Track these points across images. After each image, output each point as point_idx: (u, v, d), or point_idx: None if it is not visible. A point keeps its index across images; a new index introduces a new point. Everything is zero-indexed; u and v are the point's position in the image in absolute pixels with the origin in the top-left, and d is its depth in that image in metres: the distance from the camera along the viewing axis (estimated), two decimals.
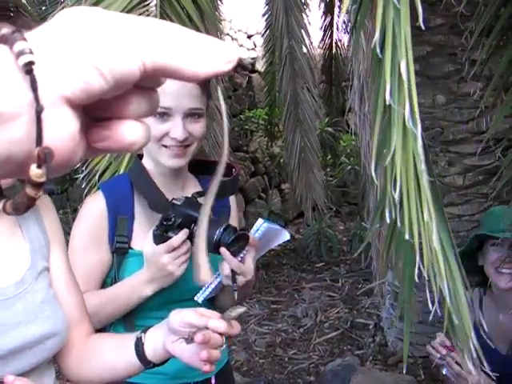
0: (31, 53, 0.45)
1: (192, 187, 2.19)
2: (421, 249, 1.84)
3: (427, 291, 1.90)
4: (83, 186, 3.08)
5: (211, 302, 2.21)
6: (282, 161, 8.96)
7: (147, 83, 0.51)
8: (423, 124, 2.65)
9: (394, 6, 1.75)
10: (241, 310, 1.55)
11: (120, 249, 2.04)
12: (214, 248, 1.94)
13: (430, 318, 1.93)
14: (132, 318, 2.07)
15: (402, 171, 1.79)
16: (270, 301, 6.75)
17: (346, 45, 7.82)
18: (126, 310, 2.03)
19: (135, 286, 2.00)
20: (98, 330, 2.04)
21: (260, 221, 2.09)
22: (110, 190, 2.08)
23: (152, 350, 1.61)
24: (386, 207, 1.85)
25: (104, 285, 2.09)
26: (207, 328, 1.50)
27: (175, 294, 2.05)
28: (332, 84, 8.30)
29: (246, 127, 9.23)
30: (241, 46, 10.00)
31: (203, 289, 2.08)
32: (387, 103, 1.74)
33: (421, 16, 1.66)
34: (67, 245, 1.85)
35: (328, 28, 7.92)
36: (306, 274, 7.43)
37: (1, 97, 0.45)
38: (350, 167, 8.73)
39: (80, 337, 1.70)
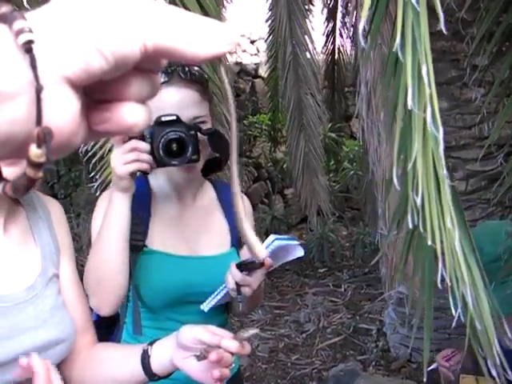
0: (31, 31, 0.44)
1: (205, 193, 2.21)
2: (442, 255, 1.85)
3: (450, 298, 1.90)
4: (97, 194, 3.10)
5: (225, 310, 2.22)
6: (284, 166, 8.97)
7: (147, 65, 0.51)
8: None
9: (413, 8, 1.76)
10: (253, 331, 1.54)
11: (136, 246, 2.03)
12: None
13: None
14: (139, 320, 2.07)
15: (423, 177, 1.79)
16: (273, 306, 6.75)
17: (348, 51, 7.83)
18: (117, 231, 1.93)
19: (110, 200, 1.94)
20: (106, 340, 2.05)
21: (271, 237, 2.05)
22: None
23: (158, 363, 1.59)
24: (407, 213, 1.85)
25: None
26: (219, 347, 1.49)
27: (181, 296, 2.05)
28: (335, 89, 8.30)
29: (250, 132, 9.24)
30: (244, 51, 10.02)
31: (209, 299, 2.09)
32: (408, 108, 1.75)
33: (442, 21, 1.67)
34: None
35: (331, 34, 7.93)
36: (308, 279, 7.43)
37: (0, 76, 0.44)
38: (352, 172, 8.74)
39: (84, 346, 1.69)
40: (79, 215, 7.26)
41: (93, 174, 3.18)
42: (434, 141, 1.80)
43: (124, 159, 1.85)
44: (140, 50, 0.47)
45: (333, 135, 8.75)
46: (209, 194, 2.22)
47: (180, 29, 0.49)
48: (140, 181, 2.08)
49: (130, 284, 2.04)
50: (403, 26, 1.75)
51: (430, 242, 1.83)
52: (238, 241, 2.18)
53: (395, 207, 3.65)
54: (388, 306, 5.48)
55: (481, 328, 1.99)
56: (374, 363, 5.40)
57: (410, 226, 1.85)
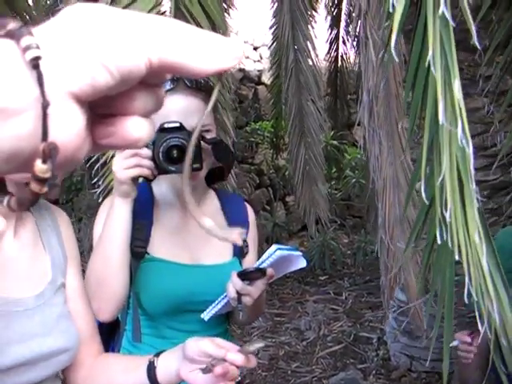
0: (38, 48, 0.45)
1: (208, 202, 2.20)
2: (468, 269, 1.85)
3: (476, 313, 1.90)
4: (100, 200, 3.10)
5: (226, 319, 2.21)
6: (286, 173, 8.97)
7: (152, 79, 0.51)
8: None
9: (444, 24, 1.77)
10: (259, 344, 1.54)
11: (137, 253, 2.03)
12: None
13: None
14: (139, 327, 2.06)
15: (451, 192, 1.80)
16: (274, 313, 6.74)
17: (351, 58, 7.84)
18: (118, 236, 1.94)
19: (112, 205, 1.94)
20: (110, 341, 2.05)
21: (273, 247, 2.04)
22: None
23: (164, 374, 1.59)
24: (436, 228, 1.85)
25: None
26: (224, 360, 1.48)
27: (181, 304, 2.04)
28: (337, 97, 8.31)
29: (252, 139, 9.24)
30: (247, 57, 10.02)
31: (210, 308, 2.08)
32: (440, 123, 1.75)
33: (475, 35, 1.68)
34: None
35: (334, 41, 7.94)
36: (309, 286, 7.42)
37: (7, 92, 0.44)
38: (354, 180, 8.75)
39: (89, 356, 1.69)
40: (81, 220, 7.27)
41: (95, 179, 3.18)
42: (462, 155, 1.81)
43: (125, 164, 1.85)
44: (145, 66, 0.48)
45: (335, 143, 8.75)
46: (212, 202, 2.22)
47: (185, 43, 0.49)
48: (143, 188, 2.08)
49: (131, 291, 2.04)
50: (434, 40, 1.76)
51: (457, 257, 1.83)
52: (240, 251, 2.18)
53: (396, 216, 3.67)
54: (389, 314, 5.48)
55: (506, 344, 1.99)
56: (374, 372, 5.38)
57: (439, 241, 1.85)
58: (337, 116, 8.44)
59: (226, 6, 3.94)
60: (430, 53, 1.74)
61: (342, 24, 7.73)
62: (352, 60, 7.81)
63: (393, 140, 3.55)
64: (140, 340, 2.05)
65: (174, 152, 1.88)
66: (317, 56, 6.43)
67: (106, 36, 0.47)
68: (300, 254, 2.11)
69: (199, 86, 1.99)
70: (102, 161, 3.16)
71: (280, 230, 8.82)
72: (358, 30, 3.66)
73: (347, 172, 9.12)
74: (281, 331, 6.30)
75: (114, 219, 1.92)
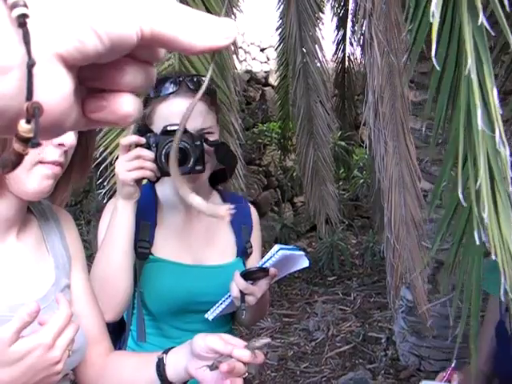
0: (25, 6, 0.44)
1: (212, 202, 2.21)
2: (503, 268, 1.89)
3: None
4: (104, 202, 3.11)
5: (231, 319, 2.22)
6: (294, 174, 8.97)
7: (144, 54, 0.51)
8: (435, 140, 2.67)
9: (481, 33, 1.80)
10: (265, 340, 1.54)
11: (141, 254, 2.05)
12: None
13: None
14: (144, 327, 2.08)
15: (488, 193, 1.83)
16: (282, 314, 6.74)
17: (358, 59, 7.83)
18: (121, 237, 1.95)
19: (115, 207, 1.96)
20: (118, 339, 2.06)
21: (276, 247, 2.06)
22: None
23: (173, 371, 1.60)
24: (474, 229, 1.89)
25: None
26: (231, 356, 1.49)
27: (185, 305, 2.06)
28: (345, 98, 8.30)
29: (260, 141, 9.25)
30: (254, 59, 10.03)
31: (214, 307, 2.09)
32: (479, 128, 1.78)
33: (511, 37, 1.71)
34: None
35: (341, 42, 7.93)
36: (318, 287, 7.42)
37: None
38: (362, 181, 8.74)
39: (99, 355, 1.70)
40: (89, 222, 7.28)
41: (100, 180, 3.20)
42: (500, 159, 1.85)
43: (128, 166, 1.87)
44: (137, 35, 0.47)
45: (343, 143, 8.74)
46: (216, 204, 2.23)
47: (179, 18, 0.49)
48: (147, 189, 2.10)
49: (135, 291, 2.05)
50: (471, 47, 1.79)
51: (493, 257, 1.87)
52: (243, 251, 2.19)
53: (401, 216, 3.67)
54: (397, 314, 5.47)
55: None
56: (383, 372, 5.39)
57: (478, 242, 1.89)
58: (344, 117, 8.42)
59: (231, 7, 3.93)
60: (470, 61, 1.77)
61: (349, 25, 7.72)
62: (359, 60, 7.80)
63: (398, 140, 3.55)
64: (145, 339, 2.07)
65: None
66: (324, 57, 6.43)
67: (98, 1, 0.46)
68: (302, 253, 2.13)
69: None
70: (107, 162, 3.17)
71: (288, 231, 8.82)
72: (363, 30, 3.67)
73: (355, 172, 9.11)
74: (290, 332, 6.31)
75: (117, 221, 1.94)
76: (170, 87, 1.94)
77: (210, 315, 2.09)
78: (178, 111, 1.94)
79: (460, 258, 2.21)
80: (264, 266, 2.02)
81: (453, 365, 2.70)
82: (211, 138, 2.02)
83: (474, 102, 1.79)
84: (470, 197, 1.96)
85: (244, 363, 1.50)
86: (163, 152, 1.89)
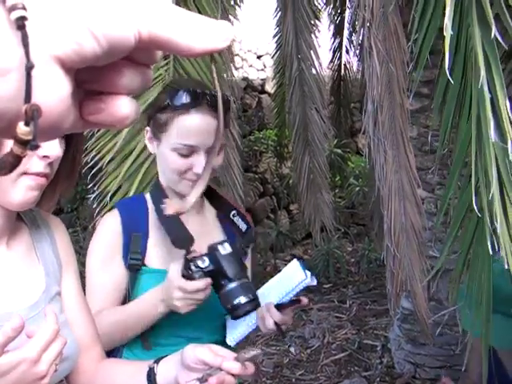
0: (24, 8, 0.43)
1: (205, 211, 2.23)
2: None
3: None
4: (94, 206, 3.11)
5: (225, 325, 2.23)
6: (290, 182, 8.98)
7: (141, 57, 0.51)
8: (432, 146, 2.68)
9: (492, 47, 1.83)
10: (255, 352, 1.51)
11: (134, 265, 2.06)
12: (229, 308, 1.95)
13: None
14: (148, 336, 2.08)
15: (499, 203, 1.86)
16: None
17: (354, 67, 7.85)
18: (143, 328, 2.02)
19: (151, 301, 1.98)
20: (111, 352, 2.06)
21: (295, 263, 2.14)
22: (125, 207, 2.12)
23: (164, 381, 1.57)
24: (487, 239, 1.91)
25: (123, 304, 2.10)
26: (221, 368, 1.46)
27: (194, 315, 2.06)
28: (341, 105, 8.31)
29: (256, 148, 9.27)
30: (250, 66, 10.06)
31: (238, 335, 2.12)
32: (491, 139, 1.81)
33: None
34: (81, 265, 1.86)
35: (337, 50, 7.95)
36: (313, 294, 7.42)
37: None
38: (358, 188, 8.75)
39: (91, 361, 1.69)
40: (86, 229, 7.27)
41: (91, 185, 3.20)
42: (507, 170, 1.87)
43: (191, 303, 1.93)
44: (134, 37, 0.47)
45: (339, 151, 8.76)
46: (210, 211, 2.26)
47: (176, 20, 0.49)
48: (137, 200, 2.12)
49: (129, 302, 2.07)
50: (484, 61, 1.82)
51: (506, 266, 1.89)
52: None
53: (401, 224, 3.68)
54: (393, 322, 5.48)
55: None
56: (378, 379, 5.39)
57: (491, 251, 1.91)
58: (340, 124, 8.44)
59: (228, 15, 3.94)
60: (482, 74, 1.79)
61: (345, 33, 7.75)
62: (355, 68, 7.82)
63: (398, 149, 3.56)
64: (150, 347, 2.07)
65: (241, 312, 1.94)
66: (320, 65, 6.44)
67: (97, 2, 0.46)
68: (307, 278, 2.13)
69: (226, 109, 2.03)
70: (98, 166, 3.17)
71: (284, 239, 8.83)
72: (361, 39, 3.68)
73: (351, 180, 9.13)
74: (285, 339, 6.31)
75: (151, 316, 2.00)
76: (191, 100, 1.94)
77: (233, 341, 2.12)
78: (197, 129, 1.95)
79: (468, 265, 2.23)
80: (295, 298, 2.07)
81: (443, 379, 2.72)
82: (219, 153, 2.06)
83: (485, 114, 1.81)
84: (480, 205, 1.98)
85: (234, 375, 1.48)
86: (230, 305, 1.92)
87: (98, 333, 1.75)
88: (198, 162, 1.97)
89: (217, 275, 1.91)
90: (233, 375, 1.47)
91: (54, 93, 0.47)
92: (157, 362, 1.61)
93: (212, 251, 1.92)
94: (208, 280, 1.90)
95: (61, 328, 1.53)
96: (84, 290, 1.81)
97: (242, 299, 1.90)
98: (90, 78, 0.49)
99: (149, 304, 1.99)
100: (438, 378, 5.12)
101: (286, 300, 2.07)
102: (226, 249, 1.93)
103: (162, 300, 1.96)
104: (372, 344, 6.07)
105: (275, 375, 5.63)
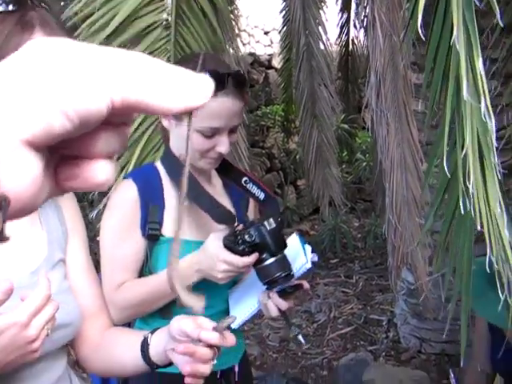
0: None
1: (215, 181, 2.26)
2: (490, 240, 1.90)
3: (497, 282, 1.94)
4: None
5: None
6: (297, 157, 8.97)
7: (116, 119, 0.48)
8: (438, 120, 2.68)
9: (468, 3, 1.81)
10: (230, 319, 1.51)
11: (152, 235, 2.07)
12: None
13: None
14: (169, 305, 2.09)
15: (474, 164, 1.85)
16: None
17: (362, 42, 7.81)
18: (171, 298, 2.03)
19: (183, 272, 1.98)
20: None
21: (295, 237, 2.15)
22: (140, 177, 2.11)
23: (155, 352, 1.58)
24: (459, 199, 1.90)
25: (142, 275, 2.11)
26: (200, 340, 1.45)
27: (207, 285, 2.07)
28: (348, 81, 8.29)
29: (263, 123, 9.26)
30: (257, 42, 10.03)
31: (242, 319, 2.14)
32: (464, 99, 1.79)
33: (498, 15, 1.74)
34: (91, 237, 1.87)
35: (345, 25, 7.91)
36: (320, 269, 7.43)
37: None
38: (365, 164, 8.75)
39: (96, 329, 1.70)
40: (92, 203, 7.29)
41: None
42: (484, 129, 1.86)
43: (232, 275, 2.00)
44: (107, 107, 0.45)
45: (346, 126, 8.74)
46: (218, 182, 2.28)
47: (151, 81, 0.46)
48: (151, 170, 2.12)
49: (146, 273, 2.08)
50: (458, 19, 1.81)
51: (479, 228, 1.88)
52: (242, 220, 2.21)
53: (403, 197, 3.69)
54: (398, 296, 5.50)
55: None
56: (384, 354, 5.41)
57: (462, 211, 1.90)
58: (348, 100, 8.42)
59: None
60: (455, 33, 1.78)
61: (353, 7, 7.70)
62: (363, 44, 7.78)
63: (400, 121, 3.56)
64: (172, 314, 2.07)
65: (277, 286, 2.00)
66: (328, 40, 6.42)
67: (65, 77, 0.44)
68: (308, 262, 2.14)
69: (243, 87, 2.03)
70: None
71: (291, 214, 8.84)
72: (366, 12, 3.67)
73: (358, 155, 9.12)
74: (291, 314, 6.33)
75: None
76: (217, 83, 1.94)
77: (237, 324, 2.14)
78: (224, 112, 1.96)
79: (452, 235, 2.22)
80: (297, 283, 2.07)
81: (452, 375, 2.72)
82: (236, 131, 2.07)
83: (460, 73, 1.80)
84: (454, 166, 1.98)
85: (213, 347, 1.47)
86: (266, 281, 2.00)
87: (104, 302, 1.76)
88: (222, 141, 1.99)
89: (260, 249, 1.95)
90: (212, 346, 1.46)
91: (25, 177, 0.45)
92: (152, 332, 1.61)
93: (258, 226, 1.95)
94: (257, 255, 1.94)
95: (62, 295, 1.54)
96: (97, 262, 1.82)
97: (280, 274, 1.96)
98: (64, 144, 0.47)
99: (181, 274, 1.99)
100: (443, 352, 5.15)
101: (289, 289, 2.08)
102: (271, 224, 1.96)
103: (196, 270, 1.99)
104: (378, 319, 6.09)
105: (281, 349, 5.66)
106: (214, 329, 1.46)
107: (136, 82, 0.46)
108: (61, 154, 0.48)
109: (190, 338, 1.46)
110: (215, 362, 1.50)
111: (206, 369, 1.47)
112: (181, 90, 0.48)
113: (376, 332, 5.85)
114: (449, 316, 2.33)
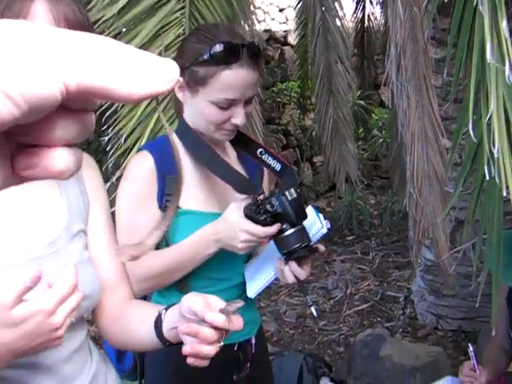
0: None
1: (230, 152, 2.25)
2: None
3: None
4: (107, 149, 3.12)
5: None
6: (313, 134, 8.95)
7: (77, 104, 0.45)
8: (457, 95, 2.63)
9: None
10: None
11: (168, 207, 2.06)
12: (286, 253, 1.99)
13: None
14: (186, 279, 2.09)
15: (500, 129, 1.82)
16: None
17: (378, 18, 7.76)
18: (190, 269, 2.03)
19: (202, 242, 2.00)
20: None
21: (319, 226, 2.12)
22: (156, 149, 2.08)
23: (167, 328, 1.55)
24: (484, 165, 1.88)
25: (158, 248, 2.09)
26: (204, 320, 1.42)
27: (224, 257, 2.07)
28: (364, 57, 8.25)
29: (279, 100, 9.23)
30: (273, 19, 9.99)
31: (258, 287, 2.13)
32: (488, 61, 1.77)
33: None
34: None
35: (360, 1, 7.87)
36: (336, 246, 7.44)
37: None
38: (381, 140, 8.71)
39: (117, 301, 1.70)
40: (109, 180, 7.30)
41: (104, 127, 3.18)
42: (509, 93, 1.83)
43: (253, 244, 2.00)
44: (61, 92, 0.41)
45: (362, 103, 8.70)
46: (232, 152, 2.27)
47: (110, 65, 0.43)
48: (166, 142, 2.10)
49: (163, 246, 2.07)
50: None
51: (505, 194, 1.86)
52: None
53: (424, 171, 3.66)
54: (416, 273, 5.49)
55: None
56: (400, 330, 5.42)
57: (487, 177, 1.88)
58: (364, 76, 8.38)
59: None
60: None
61: None
62: (379, 20, 7.74)
63: (421, 94, 3.53)
64: (187, 288, 2.06)
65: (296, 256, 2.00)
66: (344, 15, 6.38)
67: (14, 60, 0.40)
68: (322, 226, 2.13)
69: (258, 57, 2.01)
70: (112, 109, 3.15)
71: (307, 191, 8.83)
72: None
73: (374, 132, 9.08)
74: (308, 290, 6.33)
75: (199, 258, 2.03)
76: (232, 54, 1.93)
77: (254, 294, 2.13)
78: (239, 84, 1.94)
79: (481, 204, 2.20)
80: (312, 244, 2.05)
81: (471, 349, 2.70)
82: (251, 102, 2.06)
83: (483, 36, 1.77)
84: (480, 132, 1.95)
85: (218, 329, 1.43)
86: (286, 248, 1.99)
87: (125, 274, 1.76)
88: (237, 113, 1.98)
89: (281, 219, 1.94)
90: (217, 328, 1.43)
91: None
92: (166, 308, 1.59)
93: (279, 196, 1.94)
94: (279, 225, 1.94)
95: (84, 265, 1.54)
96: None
97: (300, 245, 1.96)
98: (19, 131, 0.44)
99: (200, 245, 2.00)
100: (460, 329, 5.15)
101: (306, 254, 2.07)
102: (292, 194, 1.95)
103: (215, 240, 1.98)
104: (395, 295, 6.09)
105: (298, 325, 5.68)
106: (221, 311, 1.43)
107: (92, 66, 0.42)
108: (17, 142, 0.45)
109: (197, 317, 1.44)
110: (222, 344, 1.47)
111: (210, 350, 1.44)
112: (142, 75, 0.44)
113: (393, 309, 5.85)
114: (478, 290, 2.30)
